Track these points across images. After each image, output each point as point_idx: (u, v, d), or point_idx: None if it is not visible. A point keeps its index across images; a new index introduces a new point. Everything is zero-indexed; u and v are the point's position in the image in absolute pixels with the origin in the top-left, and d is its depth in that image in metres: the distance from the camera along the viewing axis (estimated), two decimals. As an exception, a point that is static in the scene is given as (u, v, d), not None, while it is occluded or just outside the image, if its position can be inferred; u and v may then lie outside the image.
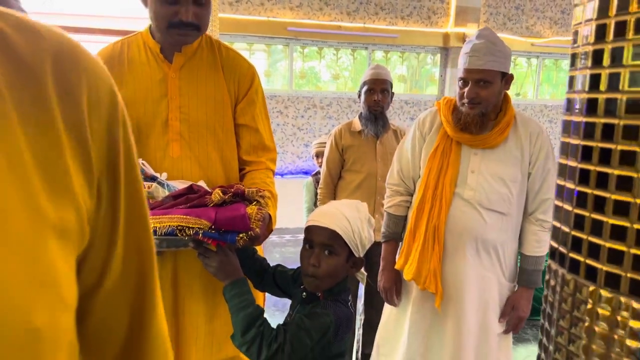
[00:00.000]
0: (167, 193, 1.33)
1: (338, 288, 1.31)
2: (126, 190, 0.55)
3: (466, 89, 1.73)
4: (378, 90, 2.63)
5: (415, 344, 1.91)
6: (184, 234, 1.19)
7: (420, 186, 1.86)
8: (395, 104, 6.96)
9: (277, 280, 1.46)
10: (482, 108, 1.73)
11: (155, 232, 1.16)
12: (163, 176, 1.37)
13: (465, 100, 1.73)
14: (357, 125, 2.75)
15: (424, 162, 1.86)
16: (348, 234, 1.27)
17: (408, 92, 7.37)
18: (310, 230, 1.30)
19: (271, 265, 1.51)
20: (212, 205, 1.24)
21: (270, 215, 1.42)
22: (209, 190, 1.30)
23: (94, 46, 1.59)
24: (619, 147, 0.66)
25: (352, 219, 1.28)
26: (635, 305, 0.67)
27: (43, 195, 0.44)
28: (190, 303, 1.54)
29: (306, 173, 4.41)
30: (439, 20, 7.03)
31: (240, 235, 1.22)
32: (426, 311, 1.88)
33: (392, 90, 2.74)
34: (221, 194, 1.25)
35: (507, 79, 1.79)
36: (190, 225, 1.19)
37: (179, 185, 1.37)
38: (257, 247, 1.59)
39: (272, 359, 1.16)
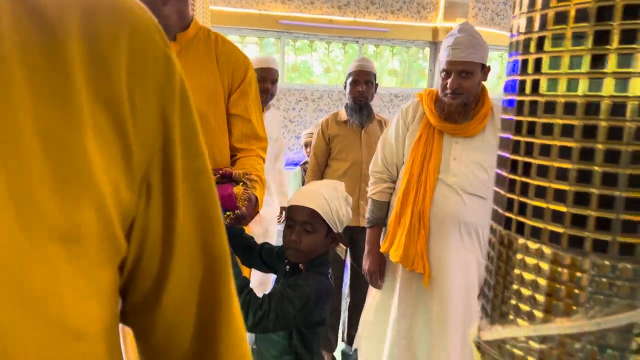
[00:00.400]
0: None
1: (319, 260, 1.44)
2: (186, 184, 0.46)
3: (449, 80, 1.85)
4: (362, 82, 2.76)
5: (403, 323, 2.03)
6: None
7: (404, 173, 1.98)
8: (386, 98, 7.07)
9: (263, 256, 1.59)
10: (464, 98, 1.86)
11: None
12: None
13: (449, 91, 1.86)
14: (343, 115, 2.88)
15: (408, 150, 1.99)
16: (326, 212, 1.39)
17: (399, 86, 7.48)
18: (291, 210, 1.42)
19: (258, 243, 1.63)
20: None
21: (256, 197, 1.54)
22: None
23: None
24: (542, 121, 0.79)
25: (329, 198, 1.40)
26: (556, 252, 0.79)
27: (43, 189, 0.34)
28: None
29: (296, 164, 4.53)
30: (428, 15, 7.14)
31: (227, 213, 1.33)
32: (412, 292, 2.00)
33: (376, 82, 2.87)
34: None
35: (485, 70, 1.91)
36: None
37: None
38: (246, 228, 1.71)
39: (258, 325, 1.28)
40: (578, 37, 0.74)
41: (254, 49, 6.73)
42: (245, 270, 1.77)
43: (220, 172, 1.41)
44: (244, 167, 1.65)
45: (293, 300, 1.32)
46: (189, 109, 0.46)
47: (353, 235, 2.87)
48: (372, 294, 2.22)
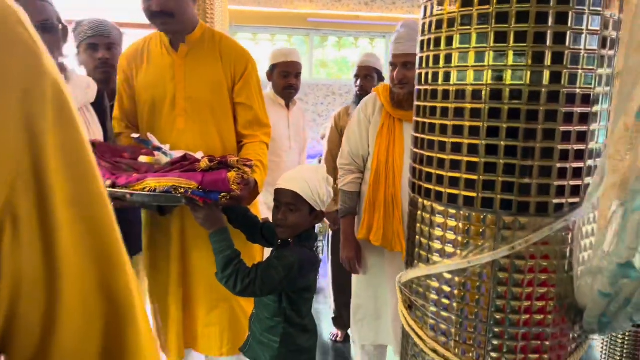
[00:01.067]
0: (169, 160, 1.69)
1: (305, 235, 1.61)
2: (73, 212, 0.38)
3: (395, 72, 2.02)
4: (361, 76, 2.98)
5: (391, 305, 2.18)
6: (178, 192, 1.46)
7: (372, 162, 2.13)
8: (412, 91, 7.19)
9: (264, 233, 1.78)
10: (410, 87, 2.02)
11: (155, 190, 1.46)
12: (166, 147, 1.74)
13: (396, 82, 2.03)
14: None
15: (372, 140, 2.15)
16: (307, 193, 1.55)
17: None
18: (277, 192, 1.60)
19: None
20: (200, 170, 1.54)
21: (255, 181, 1.76)
22: (199, 158, 1.62)
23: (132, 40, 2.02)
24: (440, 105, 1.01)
25: (310, 180, 1.56)
26: (451, 210, 1.01)
27: None
28: (195, 251, 1.92)
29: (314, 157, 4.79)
30: (454, 9, 7.20)
31: (222, 194, 1.51)
32: (399, 269, 2.17)
33: (384, 76, 3.07)
34: (207, 162, 1.55)
35: None
36: (182, 185, 1.46)
37: (178, 154, 1.73)
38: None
39: (246, 290, 1.48)
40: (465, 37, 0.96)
41: (285, 47, 7.00)
42: (256, 250, 2.01)
43: (218, 159, 1.64)
44: (247, 152, 1.89)
45: (278, 268, 1.50)
46: (69, 120, 0.38)
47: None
48: (356, 280, 2.35)
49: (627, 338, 2.18)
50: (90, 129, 1.70)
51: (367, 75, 3.01)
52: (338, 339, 3.22)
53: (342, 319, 3.18)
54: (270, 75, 2.86)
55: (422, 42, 1.07)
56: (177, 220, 1.90)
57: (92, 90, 1.73)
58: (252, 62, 1.98)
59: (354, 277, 2.38)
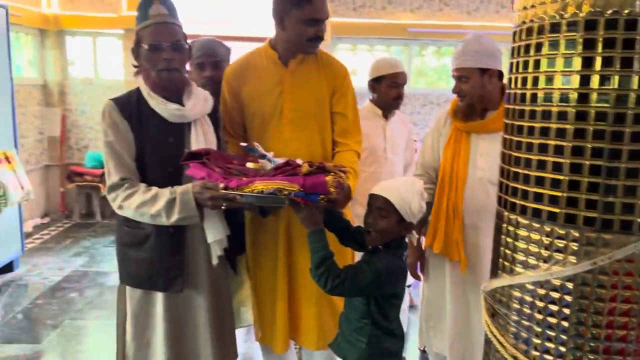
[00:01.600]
0: (272, 167, 1.86)
1: (395, 244, 1.68)
2: None
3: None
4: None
5: (456, 308, 2.21)
6: (282, 194, 1.61)
7: (439, 172, 2.20)
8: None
9: (356, 237, 1.86)
10: (468, 99, 2.06)
11: (262, 192, 1.61)
12: (271, 154, 1.91)
13: (455, 94, 2.11)
14: None
15: (441, 152, 2.21)
16: (398, 201, 1.61)
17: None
18: (370, 197, 1.69)
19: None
20: (301, 174, 1.67)
21: (349, 186, 1.88)
22: (300, 164, 1.76)
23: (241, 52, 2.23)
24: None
25: (404, 191, 1.62)
26: (535, 224, 1.06)
27: None
28: (299, 250, 2.09)
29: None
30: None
31: (321, 196, 1.64)
32: (459, 279, 2.17)
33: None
34: (308, 167, 1.69)
35: (490, 73, 2.06)
36: (286, 188, 1.60)
37: (281, 161, 1.83)
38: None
39: (335, 289, 1.59)
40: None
41: (384, 56, 7.10)
42: (347, 253, 2.13)
43: (317, 164, 1.78)
44: (340, 161, 2.03)
45: (366, 272, 1.60)
46: None
47: None
48: (426, 287, 2.38)
49: None
50: (207, 138, 1.91)
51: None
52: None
53: None
54: (375, 86, 2.85)
55: (512, 64, 1.14)
56: (283, 221, 2.07)
57: (209, 102, 1.95)
58: (349, 75, 2.14)
59: (424, 285, 2.43)
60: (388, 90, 2.79)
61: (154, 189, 1.73)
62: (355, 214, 2.73)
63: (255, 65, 2.10)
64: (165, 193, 1.70)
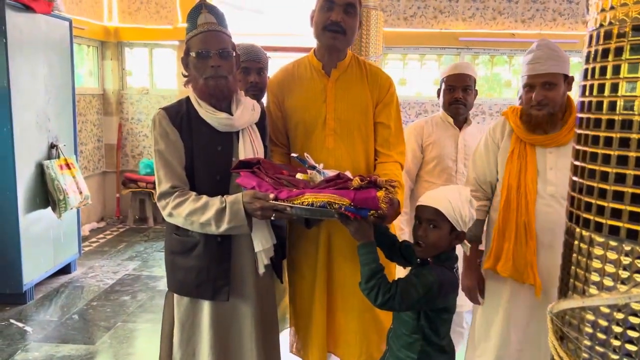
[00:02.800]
0: (322, 178, 1.84)
1: (445, 256, 1.62)
2: None
3: (534, 94, 1.92)
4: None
5: (515, 335, 2.06)
6: (332, 207, 1.57)
7: (502, 188, 2.04)
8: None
9: (402, 251, 1.81)
10: (550, 109, 1.91)
11: (312, 204, 1.58)
12: (320, 166, 1.88)
13: (534, 103, 1.92)
14: None
15: (502, 166, 2.06)
16: (448, 211, 1.57)
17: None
18: (419, 209, 1.64)
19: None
20: (352, 188, 1.64)
21: (398, 200, 1.83)
22: (351, 177, 1.73)
23: (281, 62, 2.22)
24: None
25: (452, 200, 1.58)
26: (612, 243, 0.98)
27: None
28: (340, 261, 2.06)
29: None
30: (626, 23, 6.56)
31: (371, 212, 1.59)
32: (523, 304, 2.03)
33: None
34: (359, 181, 1.65)
35: (569, 81, 1.94)
36: (337, 201, 1.57)
37: (331, 173, 1.82)
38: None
39: (385, 304, 1.55)
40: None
41: (433, 66, 7.00)
42: (390, 267, 2.07)
43: (368, 178, 1.74)
44: (385, 172, 1.98)
45: (417, 286, 1.54)
46: None
47: None
48: (478, 312, 2.24)
49: None
50: (254, 147, 1.91)
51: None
52: None
53: None
54: (439, 92, 2.75)
55: (587, 70, 1.06)
56: (324, 232, 2.05)
57: (256, 111, 1.95)
58: (394, 86, 2.10)
59: (476, 309, 2.28)
60: (445, 94, 2.68)
61: (204, 198, 1.73)
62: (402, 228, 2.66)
63: (299, 75, 2.10)
64: (215, 202, 1.71)
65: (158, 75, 6.79)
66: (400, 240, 1.85)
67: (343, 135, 2.03)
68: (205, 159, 1.81)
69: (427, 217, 1.61)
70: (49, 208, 4.12)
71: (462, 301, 2.19)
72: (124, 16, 6.61)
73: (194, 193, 1.76)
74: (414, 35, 6.67)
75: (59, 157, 4.21)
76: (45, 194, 4.07)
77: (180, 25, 6.39)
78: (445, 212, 1.57)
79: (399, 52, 6.86)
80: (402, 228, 2.66)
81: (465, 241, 1.69)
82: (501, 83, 7.19)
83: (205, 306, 1.86)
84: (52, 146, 4.19)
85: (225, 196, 1.73)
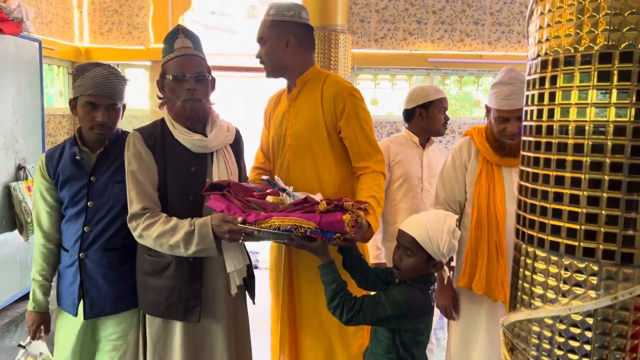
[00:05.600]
0: (291, 201, 1.85)
1: (422, 279, 1.62)
2: None
3: (508, 125, 1.99)
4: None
5: (493, 352, 2.10)
6: (298, 231, 1.60)
7: (472, 208, 2.09)
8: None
9: (379, 274, 1.79)
10: (521, 137, 1.99)
11: (279, 227, 1.60)
12: (290, 189, 1.91)
13: (509, 134, 1.99)
14: None
15: (470, 186, 2.11)
16: (425, 240, 1.54)
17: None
18: (399, 233, 1.64)
19: None
20: (318, 212, 1.66)
21: (368, 223, 1.81)
22: (318, 201, 1.74)
23: (254, 83, 2.28)
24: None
25: (432, 229, 1.55)
26: (553, 257, 1.05)
27: None
28: (301, 279, 2.08)
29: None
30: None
31: (337, 235, 1.62)
32: (496, 321, 2.00)
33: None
34: (326, 205, 1.67)
35: None
36: (303, 225, 1.60)
37: (300, 196, 1.83)
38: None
39: (351, 320, 1.57)
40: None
41: (404, 86, 7.16)
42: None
43: (334, 202, 1.77)
44: (361, 187, 1.98)
45: (384, 305, 1.56)
46: None
47: None
48: (457, 330, 2.27)
49: None
50: (228, 168, 1.94)
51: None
52: None
53: None
54: (422, 113, 2.79)
55: (527, 96, 1.14)
56: (286, 252, 2.08)
57: (231, 133, 1.98)
58: (352, 99, 2.00)
59: (452, 325, 2.31)
60: (438, 115, 2.75)
61: (174, 220, 1.75)
62: (388, 247, 2.70)
63: (280, 95, 2.19)
64: (185, 224, 1.72)
65: (129, 96, 6.78)
66: (377, 261, 1.85)
67: (299, 151, 2.05)
68: (178, 180, 1.83)
69: (403, 244, 1.61)
70: (16, 231, 4.04)
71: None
72: (95, 36, 6.60)
73: (164, 215, 1.78)
74: (384, 56, 6.83)
75: (26, 179, 4.15)
76: (12, 217, 4.00)
77: (152, 46, 6.41)
78: (421, 242, 1.56)
79: (371, 72, 7.00)
80: (379, 247, 2.70)
81: (446, 269, 1.68)
82: (471, 102, 7.39)
83: (177, 327, 1.86)
84: (20, 167, 4.14)
85: (194, 219, 1.75)
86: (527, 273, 1.10)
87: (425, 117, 2.77)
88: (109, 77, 1.89)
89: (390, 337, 1.63)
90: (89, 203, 1.90)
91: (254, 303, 2.13)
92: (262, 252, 5.13)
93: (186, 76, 1.79)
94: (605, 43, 0.95)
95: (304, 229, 1.60)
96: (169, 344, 1.88)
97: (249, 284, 2.01)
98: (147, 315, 1.89)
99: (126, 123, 6.53)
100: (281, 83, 2.18)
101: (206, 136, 1.86)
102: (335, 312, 1.60)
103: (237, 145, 2.03)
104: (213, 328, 1.90)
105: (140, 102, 6.69)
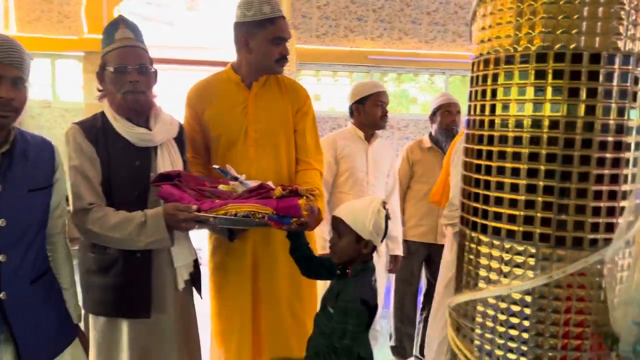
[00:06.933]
0: (244, 189, 1.88)
1: (360, 267, 1.67)
2: None
3: None
4: (454, 112, 3.14)
5: None
6: (255, 217, 1.63)
7: None
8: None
9: (324, 262, 1.84)
10: None
11: (236, 214, 1.62)
12: (242, 177, 1.93)
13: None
14: (427, 142, 3.26)
15: None
16: (351, 220, 1.63)
17: (485, 115, 7.60)
18: (332, 219, 1.72)
19: None
20: (275, 197, 1.70)
21: (319, 208, 1.92)
22: (273, 187, 1.79)
23: (198, 75, 2.24)
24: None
25: (359, 210, 1.64)
26: (495, 242, 1.13)
27: None
28: (266, 272, 2.09)
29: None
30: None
31: (294, 219, 1.66)
32: None
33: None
34: (281, 190, 1.72)
35: None
36: (260, 211, 1.63)
37: (253, 183, 1.86)
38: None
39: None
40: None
41: (345, 82, 7.28)
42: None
43: (289, 187, 1.82)
44: (305, 180, 2.07)
45: (347, 322, 1.56)
46: None
47: (430, 251, 3.22)
48: (436, 310, 2.38)
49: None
50: (173, 161, 1.92)
51: (458, 111, 3.18)
52: None
53: (402, 348, 3.30)
54: (360, 107, 2.87)
55: (471, 92, 1.22)
56: (250, 243, 2.08)
57: (174, 126, 1.96)
58: (309, 98, 2.21)
59: (435, 306, 2.40)
60: (374, 109, 2.83)
61: (123, 213, 1.71)
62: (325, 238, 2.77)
63: (217, 88, 2.14)
64: (136, 216, 1.69)
65: (61, 88, 6.46)
66: (323, 252, 1.91)
67: (265, 145, 2.09)
68: (122, 175, 1.79)
69: (335, 227, 1.69)
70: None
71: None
72: (22, 25, 6.24)
73: (112, 209, 1.74)
74: (326, 52, 6.91)
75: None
76: None
77: (86, 36, 6.14)
78: (348, 222, 1.64)
79: (313, 68, 7.06)
80: (325, 239, 2.77)
81: (380, 250, 1.76)
82: (408, 99, 7.63)
83: (124, 325, 1.82)
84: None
85: (145, 210, 1.72)
86: (472, 257, 1.18)
87: (363, 112, 2.86)
88: (14, 44, 1.48)
89: (330, 322, 1.66)
90: None
91: (201, 297, 2.13)
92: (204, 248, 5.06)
93: (128, 68, 1.75)
94: (542, 44, 1.04)
95: (262, 214, 1.62)
96: (115, 344, 1.83)
97: (195, 278, 2.00)
98: (90, 315, 1.84)
99: (58, 117, 6.26)
100: (201, 76, 2.21)
101: (150, 129, 1.83)
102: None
103: (180, 139, 2.01)
104: (162, 324, 1.88)
105: (73, 95, 6.40)
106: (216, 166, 1.90)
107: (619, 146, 1.03)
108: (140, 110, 1.80)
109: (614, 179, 1.04)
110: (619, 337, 1.06)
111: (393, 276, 3.29)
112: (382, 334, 3.66)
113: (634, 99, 1.04)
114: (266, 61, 2.05)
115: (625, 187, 1.05)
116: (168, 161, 1.87)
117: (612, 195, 1.04)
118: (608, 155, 1.03)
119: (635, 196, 0.98)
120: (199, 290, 2.06)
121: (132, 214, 1.71)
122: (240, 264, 2.09)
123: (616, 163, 1.03)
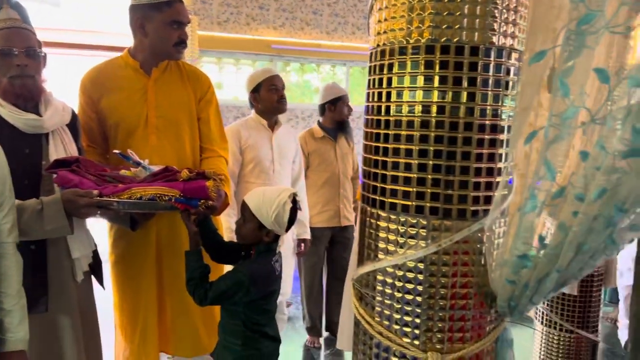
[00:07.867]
0: (148, 174, 1.85)
1: (263, 248, 1.74)
2: None
3: None
4: (347, 104, 3.36)
5: None
6: (162, 200, 1.62)
7: None
8: (371, 116, 7.53)
9: (231, 247, 1.90)
10: None
11: (141, 198, 1.60)
12: (145, 162, 1.90)
13: None
14: (319, 131, 3.37)
15: None
16: (255, 208, 1.67)
17: (384, 105, 7.94)
18: (242, 201, 1.78)
19: None
20: (181, 180, 1.70)
21: (226, 192, 1.94)
22: (179, 170, 1.79)
23: (88, 61, 2.12)
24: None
25: (265, 198, 1.68)
26: (392, 216, 1.24)
27: None
28: (169, 260, 2.08)
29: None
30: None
31: (202, 201, 1.67)
32: None
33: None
34: (188, 172, 1.72)
35: None
36: (166, 193, 1.62)
37: (157, 168, 1.83)
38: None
39: (204, 299, 1.66)
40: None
41: (248, 70, 7.25)
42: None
43: (196, 170, 1.82)
44: (210, 167, 2.06)
45: (226, 280, 1.68)
46: None
47: (333, 234, 3.36)
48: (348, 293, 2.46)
49: (561, 341, 2.46)
50: (66, 149, 1.84)
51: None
52: (315, 345, 3.49)
53: (316, 328, 3.48)
54: (255, 97, 2.91)
55: (369, 80, 1.32)
56: (153, 231, 2.05)
57: (66, 112, 1.88)
58: (212, 85, 2.22)
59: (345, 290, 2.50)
60: (269, 94, 2.87)
61: (17, 201, 1.63)
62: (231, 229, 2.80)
63: (114, 74, 2.07)
64: (31, 204, 1.61)
65: None
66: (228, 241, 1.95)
67: (167, 132, 2.05)
68: (10, 164, 1.69)
69: (242, 210, 1.75)
70: None
71: (283, 290, 2.37)
72: None
73: None
74: (228, 40, 6.81)
75: None
76: None
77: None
78: (252, 208, 1.69)
79: (214, 55, 6.94)
80: (232, 229, 2.79)
81: (283, 239, 1.81)
82: (311, 89, 7.76)
83: None
84: None
85: (41, 197, 1.64)
86: (372, 231, 1.29)
87: (260, 99, 2.90)
88: None
89: (236, 306, 1.73)
90: None
91: (104, 288, 2.07)
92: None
93: (14, 51, 1.65)
94: (430, 37, 1.15)
95: (168, 196, 1.62)
96: None
97: (96, 270, 1.95)
98: None
99: None
100: (94, 61, 2.14)
101: (40, 115, 1.74)
102: (191, 292, 1.68)
103: (74, 125, 1.93)
104: (60, 319, 1.81)
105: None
106: (117, 151, 1.85)
107: (495, 129, 1.18)
108: (29, 96, 1.71)
109: (491, 158, 1.19)
110: (496, 295, 1.22)
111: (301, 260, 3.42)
112: (298, 318, 3.78)
113: (507, 87, 1.19)
114: (164, 45, 2.01)
115: (500, 165, 1.20)
116: (61, 148, 1.79)
117: (490, 172, 1.19)
118: (486, 136, 1.17)
119: (507, 172, 1.13)
120: (100, 281, 2.01)
121: (26, 202, 1.62)
122: (144, 255, 2.06)
123: (493, 143, 1.18)
